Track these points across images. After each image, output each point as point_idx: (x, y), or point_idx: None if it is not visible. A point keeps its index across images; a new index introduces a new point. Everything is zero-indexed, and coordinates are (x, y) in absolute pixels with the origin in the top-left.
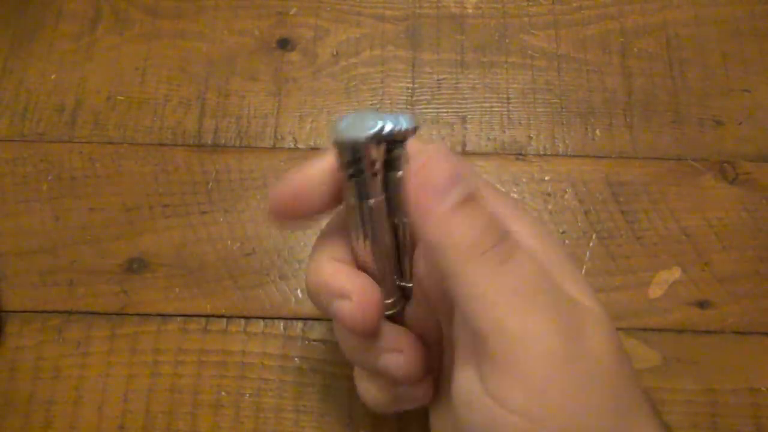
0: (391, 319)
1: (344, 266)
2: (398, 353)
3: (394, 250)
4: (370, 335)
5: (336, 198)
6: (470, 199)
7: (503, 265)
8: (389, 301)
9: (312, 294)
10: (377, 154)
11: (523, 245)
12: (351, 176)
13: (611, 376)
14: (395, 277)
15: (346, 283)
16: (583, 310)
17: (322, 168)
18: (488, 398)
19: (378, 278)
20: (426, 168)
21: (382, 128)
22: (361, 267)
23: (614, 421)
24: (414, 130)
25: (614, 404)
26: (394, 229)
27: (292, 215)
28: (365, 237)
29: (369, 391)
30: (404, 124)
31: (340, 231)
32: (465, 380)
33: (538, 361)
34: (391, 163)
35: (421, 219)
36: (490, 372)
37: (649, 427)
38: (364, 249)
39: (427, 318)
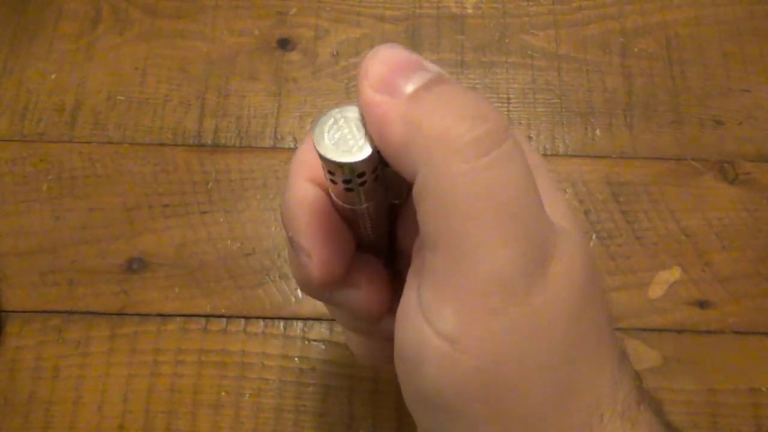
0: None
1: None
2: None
3: (390, 221)
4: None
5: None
6: (438, 82)
7: (481, 161)
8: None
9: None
10: (377, 162)
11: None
12: (347, 190)
13: (569, 318)
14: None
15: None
16: (556, 238)
17: (323, 230)
18: (419, 314)
19: (377, 249)
20: (370, 64)
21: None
22: (362, 245)
23: (559, 371)
24: None
25: (565, 351)
26: (390, 209)
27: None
28: (364, 226)
29: (358, 344)
30: None
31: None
32: (406, 295)
33: (485, 289)
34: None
35: (380, 123)
36: (430, 284)
37: (611, 380)
38: (364, 232)
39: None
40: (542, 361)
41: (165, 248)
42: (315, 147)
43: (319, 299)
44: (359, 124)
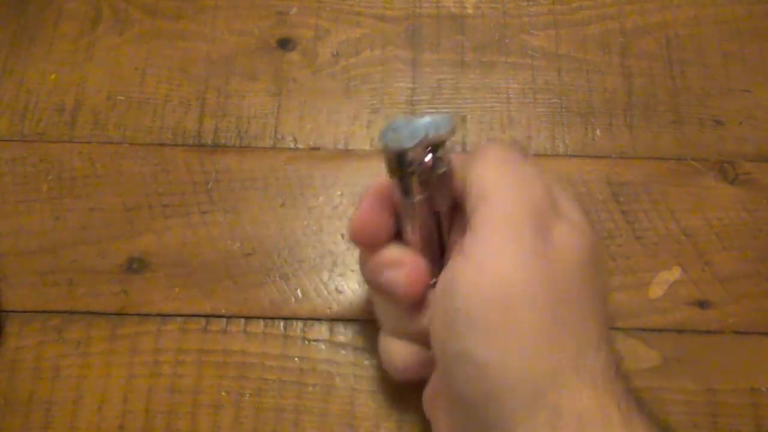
0: None
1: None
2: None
3: (438, 236)
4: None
5: (392, 230)
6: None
7: (508, 161)
8: (433, 281)
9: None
10: (421, 157)
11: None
12: (399, 179)
13: (564, 273)
14: (440, 260)
15: (400, 255)
16: (559, 220)
17: (377, 201)
18: (459, 254)
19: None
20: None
21: (424, 136)
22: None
23: (556, 306)
24: (452, 132)
25: (562, 292)
26: (438, 218)
27: (370, 241)
28: (412, 226)
29: (398, 351)
30: (442, 128)
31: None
32: (448, 265)
33: (503, 224)
34: (434, 163)
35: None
36: (469, 232)
37: (596, 342)
38: (412, 235)
39: None
40: (543, 290)
41: (165, 248)
42: (380, 139)
43: (370, 279)
44: (418, 126)
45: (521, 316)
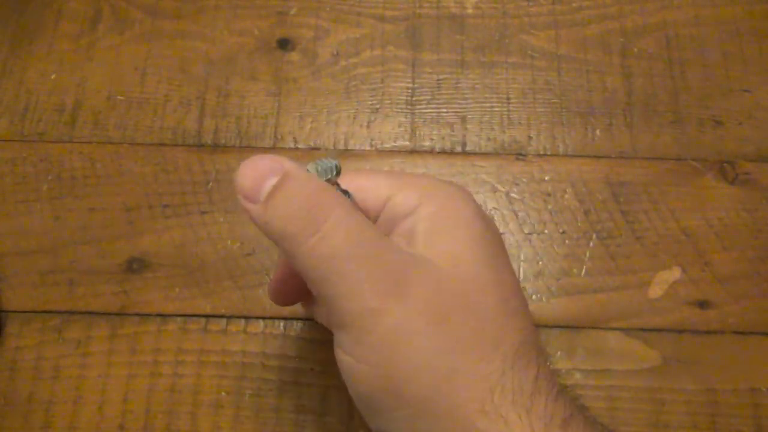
0: None
1: None
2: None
3: None
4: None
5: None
6: (280, 185)
7: (315, 241)
8: None
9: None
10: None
11: (334, 208)
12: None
13: (432, 323)
14: None
15: None
16: (414, 266)
17: (283, 275)
18: (336, 343)
19: None
20: (236, 181)
21: (332, 175)
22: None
23: (439, 361)
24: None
25: (437, 346)
26: None
27: (285, 302)
28: None
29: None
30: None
31: None
32: (334, 339)
33: (355, 317)
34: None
35: (253, 220)
36: (332, 326)
37: (499, 371)
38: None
39: None
40: (420, 356)
41: (165, 248)
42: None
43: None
44: (329, 166)
45: (409, 395)
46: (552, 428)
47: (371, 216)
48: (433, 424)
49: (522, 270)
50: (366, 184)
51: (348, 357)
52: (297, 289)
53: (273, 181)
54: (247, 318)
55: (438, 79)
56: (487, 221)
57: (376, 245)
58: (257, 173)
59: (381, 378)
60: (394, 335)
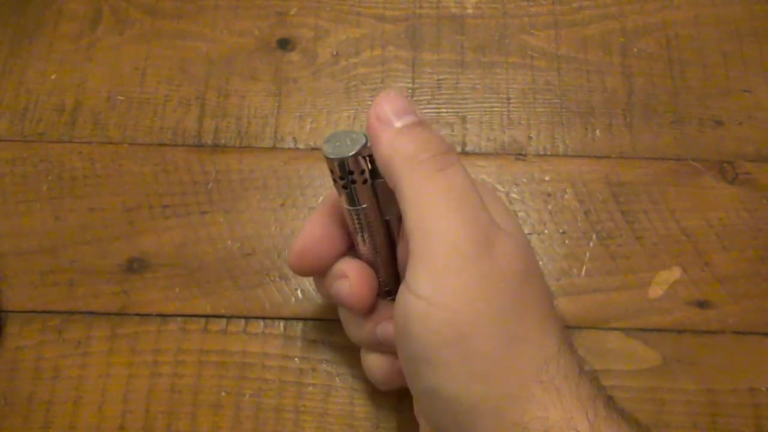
0: None
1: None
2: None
3: (388, 243)
4: (366, 312)
5: (340, 247)
6: (417, 124)
7: (438, 173)
8: (387, 288)
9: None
10: (363, 166)
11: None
12: (344, 187)
13: (512, 284)
14: (391, 267)
15: (345, 267)
16: (500, 230)
17: (319, 222)
18: (406, 288)
19: (377, 268)
20: (379, 102)
21: (364, 144)
22: (363, 260)
23: (509, 323)
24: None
25: (511, 308)
26: (387, 226)
27: (310, 271)
28: (362, 235)
29: (374, 365)
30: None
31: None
32: (399, 290)
33: (444, 255)
34: (375, 172)
35: (376, 141)
36: (410, 264)
37: (554, 345)
38: (363, 245)
39: None
40: (494, 313)
41: (165, 248)
42: (322, 151)
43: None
44: (355, 138)
45: (477, 348)
46: (598, 405)
47: None
48: (490, 385)
49: None
50: None
51: (422, 301)
52: (320, 254)
53: (412, 117)
54: (247, 318)
55: (438, 79)
56: None
57: (479, 201)
58: (397, 107)
59: (453, 326)
60: (476, 285)
